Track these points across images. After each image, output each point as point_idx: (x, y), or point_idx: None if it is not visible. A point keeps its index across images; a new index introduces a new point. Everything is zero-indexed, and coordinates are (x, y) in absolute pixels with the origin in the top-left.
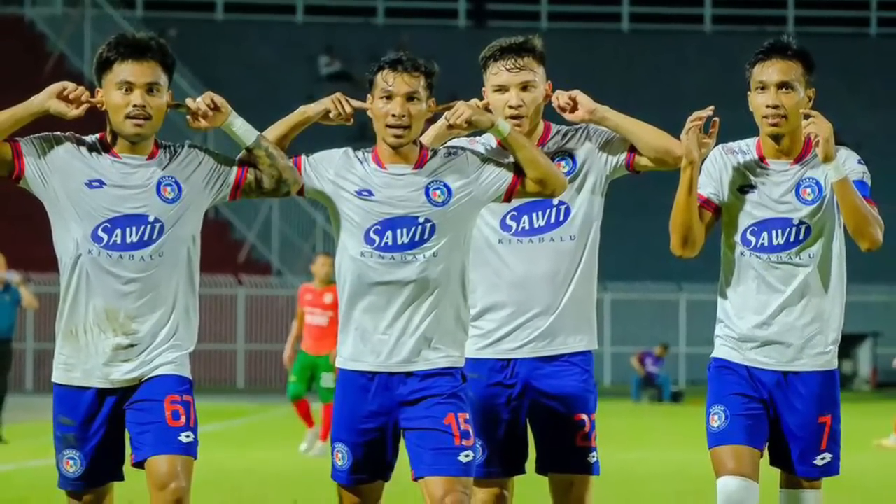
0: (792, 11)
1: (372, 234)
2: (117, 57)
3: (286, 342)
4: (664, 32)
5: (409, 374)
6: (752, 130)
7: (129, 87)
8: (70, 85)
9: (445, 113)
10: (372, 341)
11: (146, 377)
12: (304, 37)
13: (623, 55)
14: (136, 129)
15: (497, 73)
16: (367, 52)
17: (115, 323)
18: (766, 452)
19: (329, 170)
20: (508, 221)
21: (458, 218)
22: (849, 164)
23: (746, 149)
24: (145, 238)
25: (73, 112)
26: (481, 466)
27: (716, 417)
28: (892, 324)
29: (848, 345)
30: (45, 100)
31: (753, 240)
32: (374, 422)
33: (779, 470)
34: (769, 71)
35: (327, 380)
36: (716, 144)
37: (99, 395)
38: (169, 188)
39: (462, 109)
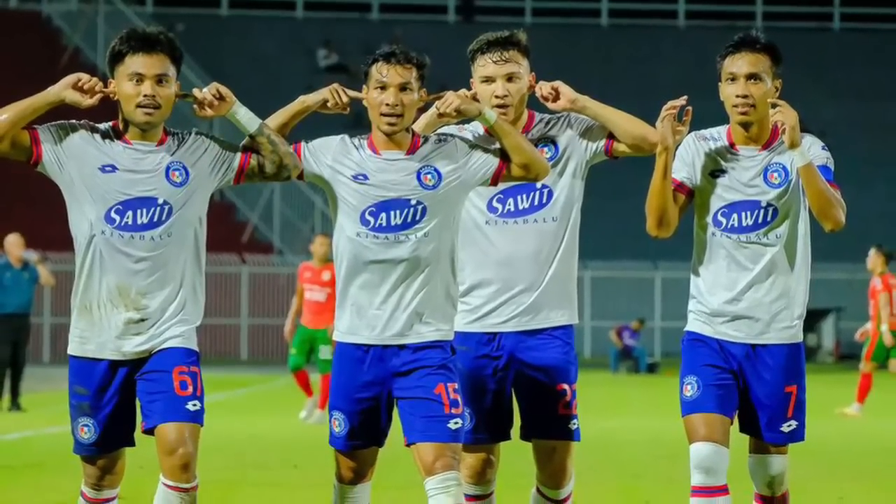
0: (760, 7)
1: (367, 216)
2: (129, 50)
3: (287, 317)
4: (641, 27)
5: (402, 347)
6: (722, 119)
7: (139, 78)
8: (84, 76)
9: (436, 102)
10: (367, 316)
11: (156, 349)
12: (304, 31)
13: (602, 48)
14: (147, 118)
15: (484, 65)
16: (363, 46)
17: (126, 299)
18: (735, 420)
19: (327, 155)
20: (495, 204)
21: (448, 200)
22: (813, 150)
23: (717, 136)
24: (155, 219)
25: (88, 101)
26: (469, 433)
27: (689, 387)
28: (854, 299)
29: (812, 319)
30: (61, 90)
31: (724, 221)
32: (369, 391)
33: (748, 436)
34: (739, 63)
35: (325, 352)
36: (689, 132)
37: (111, 366)
38: (177, 173)
39: (451, 99)
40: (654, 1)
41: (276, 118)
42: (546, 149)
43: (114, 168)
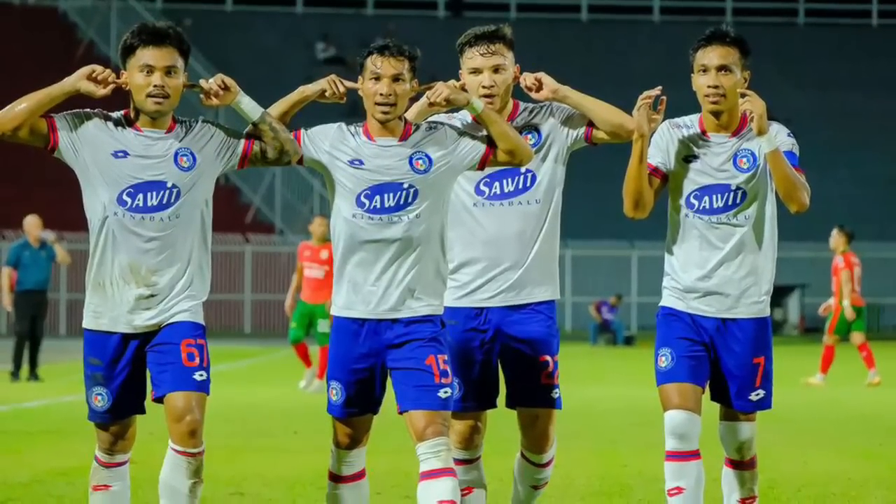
0: (730, 3)
1: (362, 198)
2: (140, 43)
3: (287, 293)
4: (618, 21)
5: (395, 321)
6: (695, 108)
7: (149, 69)
8: (98, 68)
9: (427, 92)
10: (363, 292)
11: (165, 323)
12: (303, 26)
13: (582, 42)
14: (156, 107)
15: (472, 58)
16: (359, 39)
17: (137, 276)
18: (707, 389)
19: (325, 142)
20: (482, 187)
21: (438, 184)
22: (780, 137)
23: (690, 124)
24: (164, 202)
25: (101, 91)
26: (458, 401)
27: (663, 359)
28: (817, 277)
29: (779, 295)
30: (77, 80)
31: (696, 203)
32: (365, 362)
33: (719, 404)
34: (710, 55)
35: (323, 326)
36: (663, 120)
37: (123, 339)
38: (185, 158)
39: (441, 89)
40: None
41: (278, 107)
42: (530, 136)
43: (126, 154)
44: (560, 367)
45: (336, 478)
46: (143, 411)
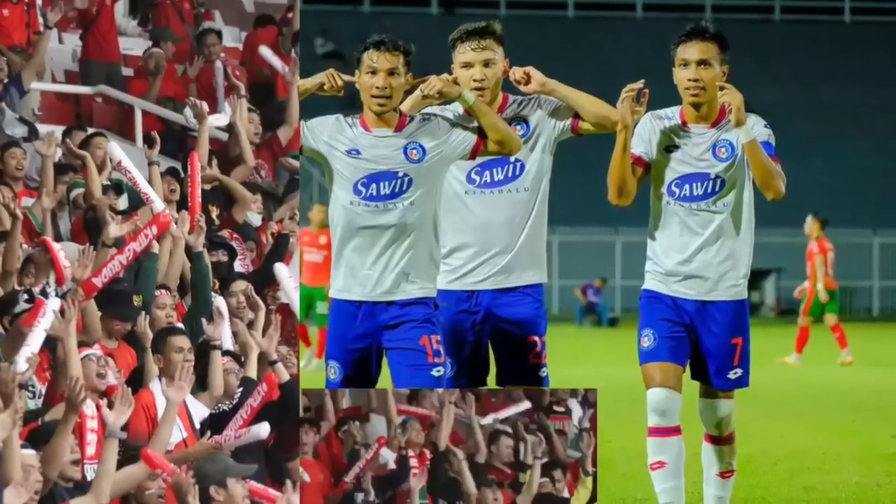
0: (710, 0)
1: (359, 186)
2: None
3: None
4: (603, 18)
5: (390, 303)
6: (676, 100)
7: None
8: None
9: (421, 85)
10: (359, 276)
11: None
12: (302, 21)
13: (569, 37)
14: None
15: (464, 52)
16: (355, 35)
17: None
18: (688, 368)
19: (324, 133)
20: (473, 175)
21: (431, 173)
22: (757, 128)
23: (671, 115)
24: None
25: None
26: (450, 380)
27: (646, 339)
28: (793, 261)
29: (756, 278)
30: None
31: (677, 191)
32: (361, 343)
33: (698, 383)
34: (690, 50)
35: (322, 307)
36: (646, 112)
37: None
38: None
39: (434, 82)
40: None
41: None
42: (519, 127)
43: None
44: (547, 347)
45: None
46: None
